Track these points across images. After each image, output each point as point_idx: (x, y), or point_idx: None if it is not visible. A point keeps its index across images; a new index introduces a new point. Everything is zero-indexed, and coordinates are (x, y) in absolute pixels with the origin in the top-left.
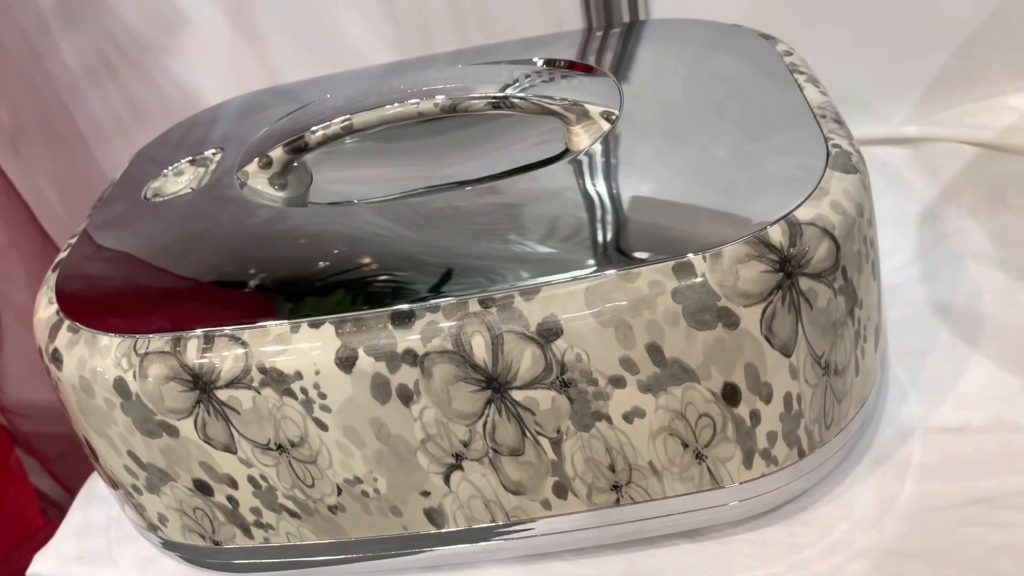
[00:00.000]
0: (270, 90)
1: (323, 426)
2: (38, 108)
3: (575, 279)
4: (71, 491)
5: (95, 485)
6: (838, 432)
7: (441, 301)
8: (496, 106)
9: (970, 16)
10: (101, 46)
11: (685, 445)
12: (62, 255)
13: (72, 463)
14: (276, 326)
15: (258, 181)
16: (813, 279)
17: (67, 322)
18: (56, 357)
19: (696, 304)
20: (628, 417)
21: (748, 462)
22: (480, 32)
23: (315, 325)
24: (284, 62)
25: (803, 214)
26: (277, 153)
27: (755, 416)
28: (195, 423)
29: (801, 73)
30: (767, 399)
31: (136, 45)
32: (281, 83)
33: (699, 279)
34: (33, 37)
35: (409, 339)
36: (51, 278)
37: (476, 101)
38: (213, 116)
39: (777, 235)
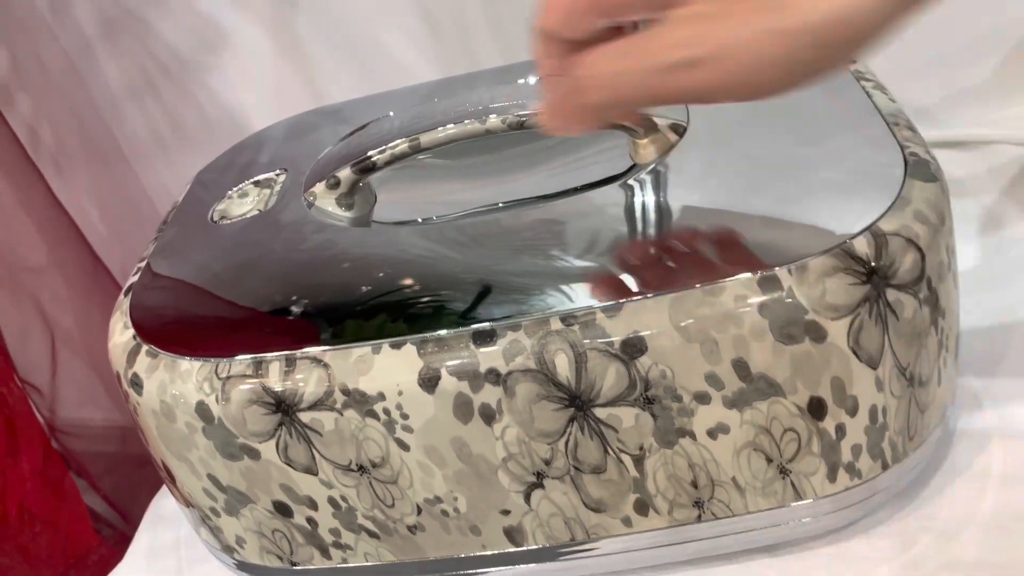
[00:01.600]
0: (319, 111)
1: (405, 446)
2: (80, 127)
3: (658, 294)
4: (117, 508)
5: (161, 505)
6: (921, 443)
7: (523, 319)
8: None
9: (1022, 16)
10: (143, 65)
11: (769, 460)
12: (133, 279)
13: (118, 480)
14: (358, 347)
15: (326, 202)
16: (900, 290)
17: (145, 347)
18: (136, 382)
19: (783, 318)
20: (712, 433)
21: (832, 476)
22: (524, 45)
23: (397, 346)
24: (327, 80)
25: (887, 224)
26: (345, 173)
27: (840, 430)
28: (277, 445)
29: (867, 80)
30: (853, 412)
31: (178, 64)
32: (325, 101)
33: (786, 293)
34: (75, 57)
35: (492, 358)
36: (124, 303)
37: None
38: (266, 138)
39: (863, 246)
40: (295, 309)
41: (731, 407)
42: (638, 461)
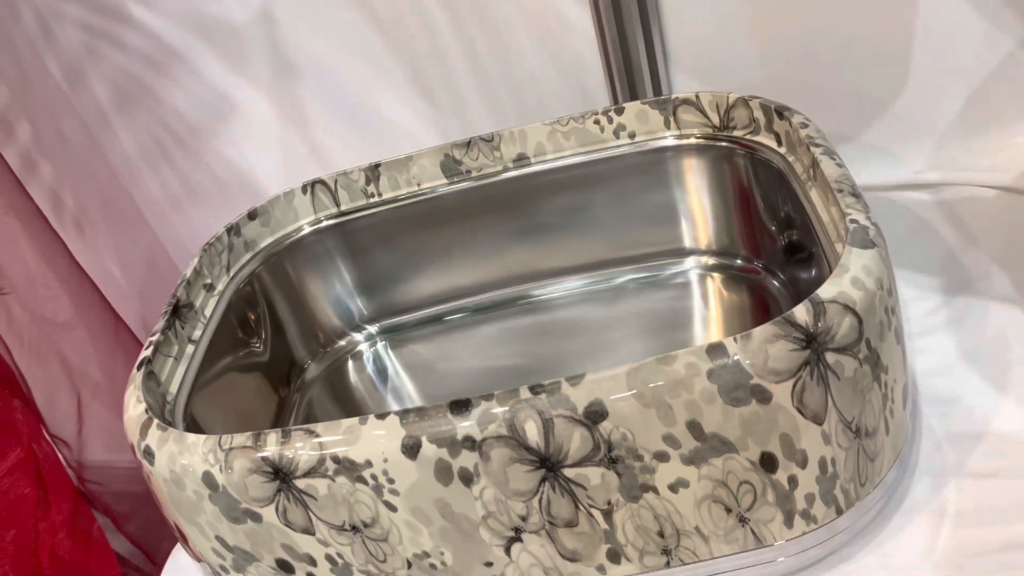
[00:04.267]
0: None
1: (392, 508)
2: (99, 192)
3: (617, 365)
4: (142, 548)
5: (180, 557)
6: (874, 487)
7: (496, 391)
8: None
9: (984, 61)
10: (156, 133)
11: (728, 510)
12: (145, 353)
13: (143, 522)
14: (346, 420)
15: None
16: (839, 352)
17: (156, 420)
18: (148, 453)
19: (730, 383)
20: (673, 487)
21: (789, 522)
22: (513, 109)
23: (381, 416)
24: (330, 142)
25: (825, 292)
26: None
27: (793, 480)
28: (276, 509)
29: (817, 146)
30: (803, 464)
31: (189, 131)
32: (328, 162)
33: (732, 360)
34: (93, 126)
35: (467, 426)
36: (137, 377)
37: None
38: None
39: (802, 314)
40: None
41: (689, 464)
42: (607, 515)
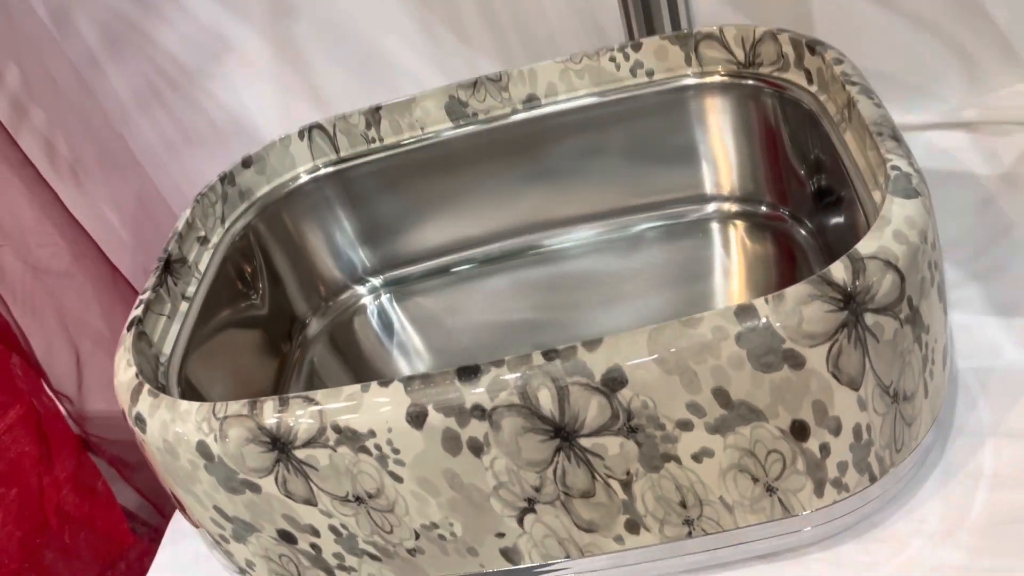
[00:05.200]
0: None
1: (398, 478)
2: (93, 138)
3: (637, 327)
4: (150, 500)
5: (181, 521)
6: (910, 453)
7: (506, 357)
8: None
9: None
10: (149, 76)
11: (755, 480)
12: (136, 312)
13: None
14: (347, 387)
15: None
16: (878, 313)
17: (147, 386)
18: (140, 420)
19: (761, 348)
20: (697, 457)
21: (819, 491)
22: (521, 47)
23: (384, 383)
24: (329, 84)
25: (865, 247)
26: None
27: (825, 449)
28: (276, 480)
29: (853, 84)
30: (836, 432)
31: (182, 73)
32: (327, 104)
33: (762, 322)
34: (83, 71)
35: (477, 394)
36: (127, 338)
37: None
38: None
39: (840, 272)
40: None
41: (714, 432)
42: (626, 485)
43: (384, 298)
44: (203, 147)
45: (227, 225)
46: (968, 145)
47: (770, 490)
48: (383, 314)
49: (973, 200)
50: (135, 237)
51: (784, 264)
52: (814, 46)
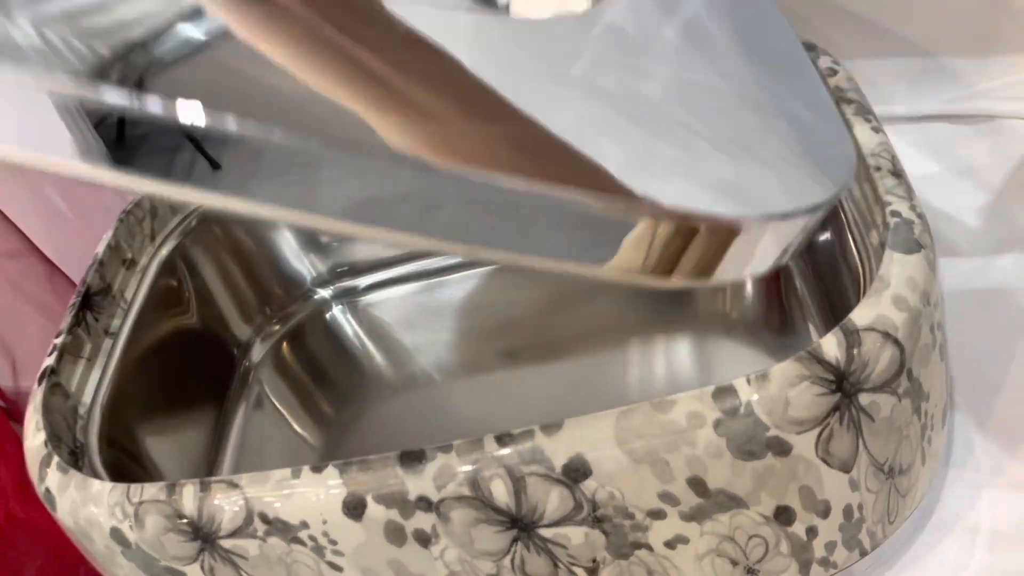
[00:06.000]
0: None
1: (338, 568)
2: None
3: (602, 409)
4: None
5: None
6: (903, 522)
7: (455, 441)
8: None
9: None
10: None
11: (735, 563)
12: (48, 362)
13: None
14: (275, 472)
15: None
16: (874, 392)
17: (56, 458)
18: (49, 496)
19: (742, 436)
20: (671, 544)
21: (805, 571)
22: None
23: (317, 469)
24: None
25: (860, 317)
26: None
27: (812, 531)
28: (202, 568)
29: (850, 102)
30: (824, 515)
31: None
32: None
33: (744, 408)
34: None
35: (421, 485)
36: (37, 395)
37: None
38: None
39: (831, 348)
40: None
41: (689, 520)
42: (592, 572)
43: (336, 310)
44: None
45: (157, 243)
46: (968, 139)
47: (751, 572)
48: (336, 329)
49: (977, 202)
50: (83, 219)
51: (771, 284)
52: (809, 49)
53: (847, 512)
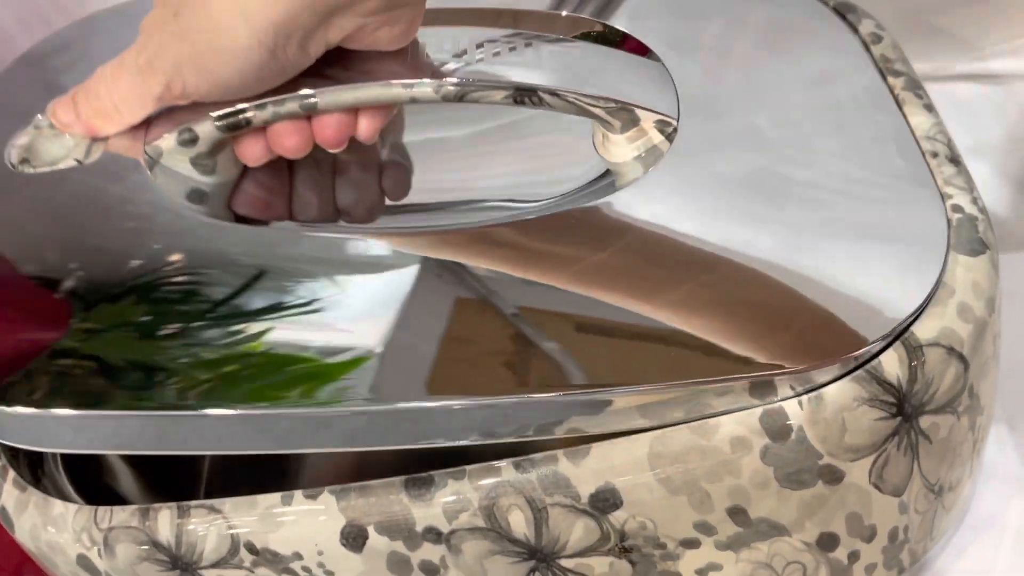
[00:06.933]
0: None
1: None
2: None
3: (634, 432)
4: None
5: None
6: (943, 536)
7: (467, 466)
8: (519, 100)
9: None
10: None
11: None
12: None
13: None
14: (263, 497)
15: (176, 161)
16: (936, 414)
17: (12, 472)
18: (6, 516)
19: (791, 464)
20: (702, 572)
21: None
22: None
23: (312, 496)
24: None
25: (924, 331)
26: (205, 128)
27: (853, 555)
28: None
29: (897, 75)
30: (870, 539)
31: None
32: None
33: (795, 434)
34: None
35: (430, 514)
36: None
37: (493, 92)
38: (103, 26)
39: (892, 366)
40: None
41: (725, 549)
42: None
43: None
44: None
45: None
46: (999, 104)
47: None
48: None
49: (1012, 175)
50: None
51: None
52: (845, 13)
53: (892, 535)
